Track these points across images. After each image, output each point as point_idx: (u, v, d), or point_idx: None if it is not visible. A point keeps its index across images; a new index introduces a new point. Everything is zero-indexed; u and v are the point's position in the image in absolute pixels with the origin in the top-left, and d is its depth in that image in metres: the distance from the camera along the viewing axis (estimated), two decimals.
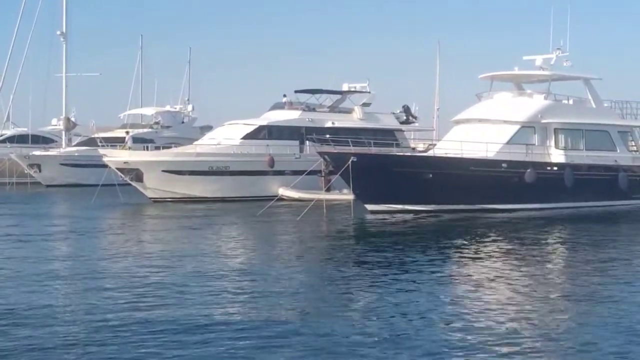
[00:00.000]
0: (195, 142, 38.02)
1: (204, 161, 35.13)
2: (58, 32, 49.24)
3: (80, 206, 33.49)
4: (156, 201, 34.57)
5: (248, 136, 36.22)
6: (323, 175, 28.97)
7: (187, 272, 15.35)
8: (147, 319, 11.27)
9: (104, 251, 18.99)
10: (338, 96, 40.68)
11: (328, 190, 32.73)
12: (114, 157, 35.79)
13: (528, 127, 29.52)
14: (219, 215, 28.79)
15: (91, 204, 32.60)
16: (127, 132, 40.70)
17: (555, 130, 29.76)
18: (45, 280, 14.44)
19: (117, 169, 35.37)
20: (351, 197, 30.35)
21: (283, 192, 33.96)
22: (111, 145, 37.85)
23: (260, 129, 36.57)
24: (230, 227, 25.44)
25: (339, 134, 33.38)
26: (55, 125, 56.33)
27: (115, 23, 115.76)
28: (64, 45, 49.45)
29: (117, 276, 14.91)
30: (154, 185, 34.78)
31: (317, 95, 39.64)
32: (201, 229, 24.34)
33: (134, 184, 35.24)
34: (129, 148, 36.90)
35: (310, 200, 29.82)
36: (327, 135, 30.40)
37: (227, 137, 36.71)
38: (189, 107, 60.61)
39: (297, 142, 36.71)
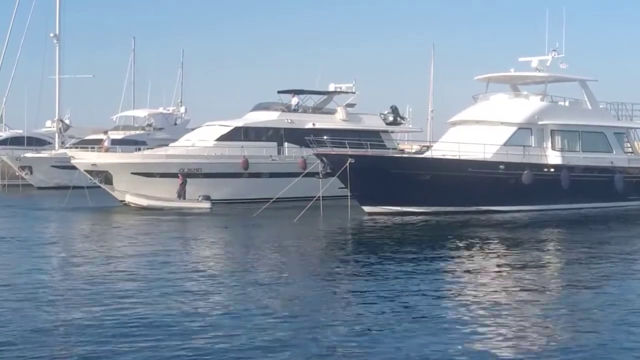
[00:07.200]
0: (171, 144, 36.45)
1: (174, 163, 33.61)
2: (51, 34, 47.53)
3: (50, 208, 31.96)
4: (127, 204, 32.88)
5: (223, 137, 34.86)
6: (321, 176, 27.92)
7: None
8: (130, 316, 11.33)
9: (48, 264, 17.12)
10: (323, 97, 39.69)
11: (180, 197, 31.90)
12: (82, 159, 33.94)
13: (525, 128, 29.45)
14: (197, 220, 27.63)
15: (62, 206, 31.00)
16: (106, 133, 38.68)
17: (552, 132, 29.76)
18: None
19: (86, 171, 33.59)
20: (206, 205, 30.30)
21: (130, 198, 32.33)
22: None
23: (236, 130, 35.25)
24: (224, 230, 24.70)
25: (320, 136, 32.36)
26: (50, 127, 54.75)
27: (107, 25, 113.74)
28: (57, 47, 47.82)
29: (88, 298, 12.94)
30: (123, 188, 33.08)
31: (302, 96, 38.51)
32: (178, 234, 23.23)
33: (103, 186, 33.53)
34: (107, 150, 34.94)
35: (161, 208, 30.49)
36: (325, 137, 29.32)
37: (201, 139, 35.29)
38: (182, 109, 59.66)
39: (274, 144, 35.53)
